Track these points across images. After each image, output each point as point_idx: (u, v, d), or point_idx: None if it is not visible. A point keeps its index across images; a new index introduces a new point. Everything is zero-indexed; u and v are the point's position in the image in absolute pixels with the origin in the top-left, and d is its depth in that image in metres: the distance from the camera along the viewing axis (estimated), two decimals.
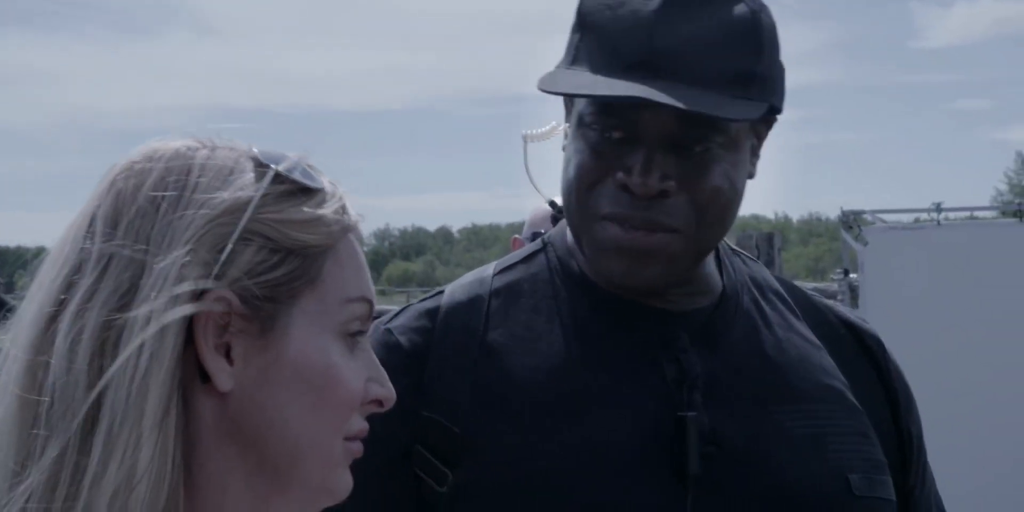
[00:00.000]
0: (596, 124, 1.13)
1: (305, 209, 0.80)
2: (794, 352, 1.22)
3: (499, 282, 1.26)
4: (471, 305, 1.24)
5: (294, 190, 0.80)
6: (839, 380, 1.23)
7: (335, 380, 0.80)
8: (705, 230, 1.15)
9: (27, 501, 0.72)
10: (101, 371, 0.73)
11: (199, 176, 0.79)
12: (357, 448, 0.84)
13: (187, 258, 0.75)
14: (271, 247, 0.78)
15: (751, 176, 1.21)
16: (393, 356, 1.19)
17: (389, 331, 1.24)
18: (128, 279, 0.75)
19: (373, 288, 0.85)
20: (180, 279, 0.74)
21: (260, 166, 0.80)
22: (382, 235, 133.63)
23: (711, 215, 1.14)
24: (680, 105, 1.06)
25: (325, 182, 0.84)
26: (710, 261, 1.25)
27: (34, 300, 0.78)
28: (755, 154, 1.21)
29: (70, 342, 0.74)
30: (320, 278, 0.80)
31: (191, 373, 0.76)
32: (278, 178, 0.80)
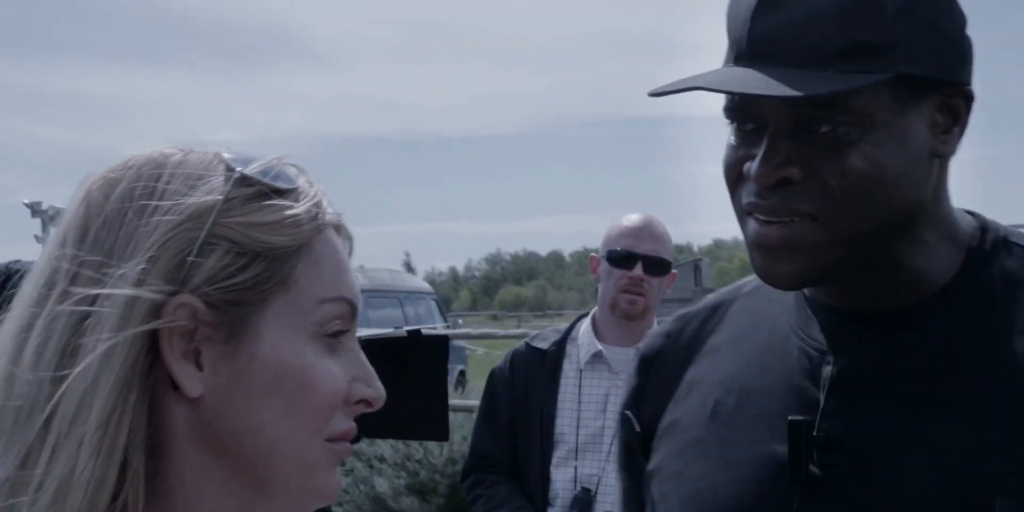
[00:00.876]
0: (730, 118, 1.11)
1: (273, 211, 0.79)
2: (1009, 363, 1.09)
3: (749, 286, 1.31)
4: (715, 308, 1.33)
5: (263, 192, 0.79)
6: None
7: (311, 382, 0.79)
8: (845, 215, 1.06)
9: None
10: (63, 377, 0.74)
11: (167, 182, 0.78)
12: (343, 449, 0.83)
13: (146, 266, 0.75)
14: (237, 251, 0.77)
15: (938, 154, 1.11)
16: None
17: None
18: (94, 284, 0.75)
19: (355, 285, 0.84)
20: (140, 286, 0.74)
21: (229, 170, 0.80)
22: (494, 260, 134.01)
23: (849, 199, 1.05)
24: (739, 89, 1.04)
25: (300, 182, 0.83)
26: (937, 252, 1.15)
27: (15, 312, 0.78)
28: (945, 130, 1.10)
29: (36, 353, 0.75)
30: (292, 280, 0.79)
31: (163, 380, 0.76)
32: (245, 181, 0.79)
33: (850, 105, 1.04)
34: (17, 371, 0.75)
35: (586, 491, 2.69)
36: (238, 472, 0.79)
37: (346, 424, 0.82)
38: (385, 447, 7.67)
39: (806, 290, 1.19)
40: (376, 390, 0.83)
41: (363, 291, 14.70)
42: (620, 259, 2.76)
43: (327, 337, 0.81)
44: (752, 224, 1.10)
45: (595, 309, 2.89)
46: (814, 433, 1.12)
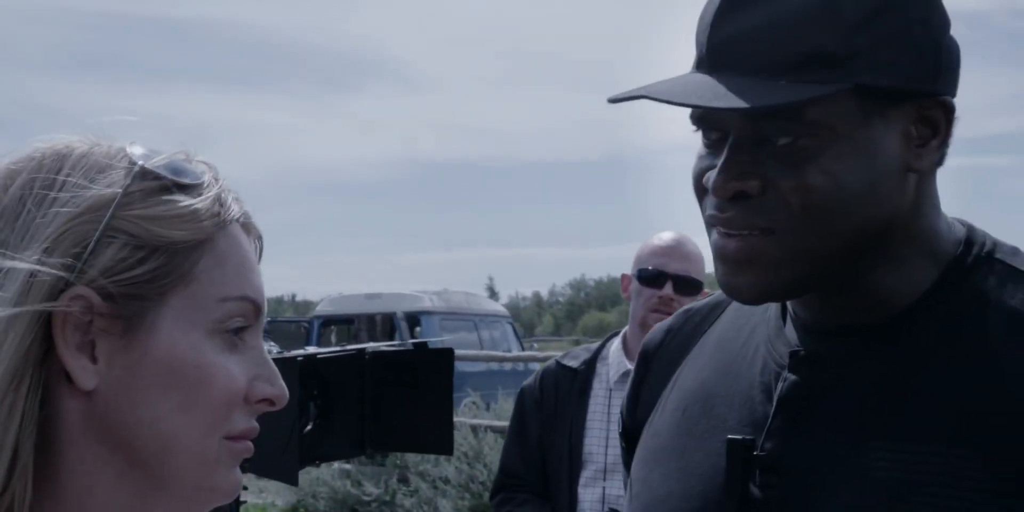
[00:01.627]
0: (696, 125, 1.09)
1: (174, 205, 0.78)
2: (960, 392, 1.04)
3: None
4: (716, 305, 1.32)
5: (165, 186, 0.79)
6: (1021, 434, 1.01)
7: (207, 378, 0.78)
8: (803, 232, 1.03)
9: None
10: None
11: (68, 174, 0.78)
12: (243, 447, 0.82)
13: (41, 256, 0.74)
14: (135, 244, 0.77)
15: (913, 168, 1.05)
16: None
17: None
18: None
19: (261, 284, 0.83)
20: (31, 278, 0.74)
21: (131, 163, 0.80)
22: (578, 286, 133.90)
23: (806, 216, 1.02)
24: (681, 99, 1.02)
25: (206, 177, 0.82)
26: (913, 268, 1.10)
27: None
28: (922, 142, 1.06)
29: None
30: (192, 275, 0.78)
31: (56, 373, 0.75)
32: (147, 174, 0.79)
33: (810, 116, 1.01)
34: None
35: None
36: (132, 467, 0.78)
37: (247, 423, 0.82)
38: (449, 468, 7.68)
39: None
40: (279, 388, 0.83)
41: (439, 313, 14.80)
42: (650, 278, 2.75)
43: (227, 334, 0.80)
44: (714, 235, 1.08)
45: (626, 328, 2.87)
46: (756, 452, 1.10)
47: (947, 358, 1.06)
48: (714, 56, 1.04)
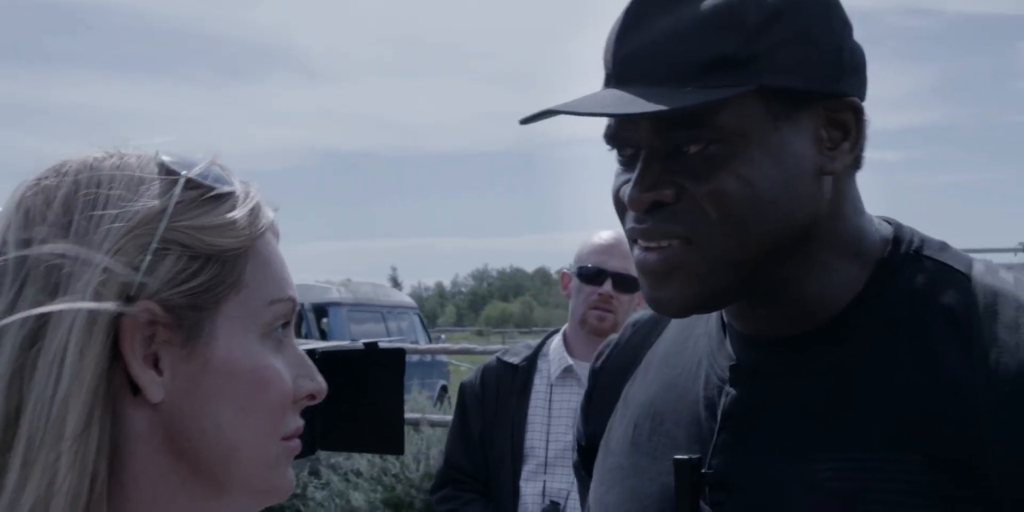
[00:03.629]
0: (610, 144, 1.09)
1: (219, 213, 0.79)
2: (898, 394, 1.04)
3: None
4: (655, 323, 1.30)
5: (206, 195, 0.80)
6: (966, 438, 0.99)
7: (265, 382, 0.79)
8: (719, 238, 1.02)
9: None
10: (20, 391, 0.72)
11: (109, 188, 0.77)
12: (296, 446, 0.83)
13: (104, 273, 0.74)
14: (189, 255, 0.77)
15: (826, 171, 1.05)
16: None
17: None
18: (43, 300, 0.74)
19: (294, 283, 0.85)
20: (98, 295, 0.73)
21: (169, 173, 0.79)
22: (480, 276, 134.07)
23: (722, 221, 1.02)
24: (588, 110, 1.02)
25: (236, 183, 0.83)
26: (838, 272, 1.09)
27: None
28: (834, 145, 1.06)
29: None
30: (242, 282, 0.79)
31: (121, 386, 0.75)
32: (189, 184, 0.79)
33: (718, 122, 1.01)
34: None
35: (555, 505, 2.70)
36: (195, 473, 0.79)
37: (296, 422, 0.83)
38: (362, 461, 7.64)
39: (724, 312, 1.16)
40: (318, 383, 0.84)
41: (346, 305, 14.67)
42: (590, 276, 2.77)
43: (274, 336, 0.82)
44: (635, 251, 1.08)
45: (566, 325, 2.89)
46: (704, 470, 1.10)
47: (884, 362, 1.06)
48: (621, 70, 1.05)
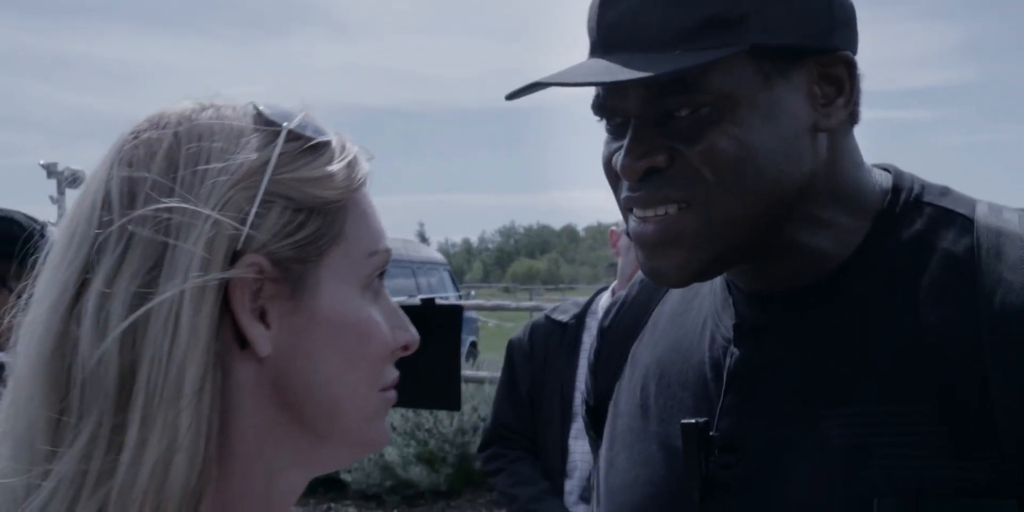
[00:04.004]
0: (598, 115, 1.08)
1: (320, 165, 0.78)
2: (902, 342, 1.02)
3: None
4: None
5: (306, 146, 0.78)
6: (973, 380, 0.98)
7: (368, 334, 0.79)
8: (719, 199, 1.01)
9: (58, 483, 0.70)
10: (133, 348, 0.71)
11: (211, 141, 0.76)
12: (392, 397, 0.83)
13: (213, 227, 0.73)
14: (294, 207, 0.76)
15: (822, 128, 1.04)
16: None
17: None
18: (154, 253, 0.72)
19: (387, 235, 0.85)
20: (209, 248, 0.72)
21: (268, 124, 0.78)
22: (507, 232, 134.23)
23: (720, 182, 1.00)
24: (576, 80, 1.00)
25: (332, 135, 0.82)
26: (839, 227, 1.08)
27: (53, 283, 0.75)
28: (828, 101, 1.04)
29: (98, 322, 0.71)
30: (343, 234, 0.79)
31: (229, 341, 0.75)
32: (290, 135, 0.78)
33: (709, 84, 0.99)
34: (68, 344, 0.72)
35: None
36: (299, 426, 0.79)
37: (393, 373, 0.83)
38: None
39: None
40: (412, 334, 0.84)
41: None
42: None
43: (372, 287, 0.82)
44: (632, 222, 1.06)
45: (615, 283, 2.86)
46: (711, 433, 1.09)
47: (886, 312, 1.04)
48: (606, 37, 1.02)
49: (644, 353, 1.23)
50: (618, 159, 1.03)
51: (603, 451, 1.24)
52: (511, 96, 1.05)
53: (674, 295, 1.25)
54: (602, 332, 1.32)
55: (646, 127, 1.02)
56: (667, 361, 1.18)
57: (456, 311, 2.47)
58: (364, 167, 0.82)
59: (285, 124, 0.78)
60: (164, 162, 0.75)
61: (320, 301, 0.77)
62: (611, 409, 1.25)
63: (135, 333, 0.71)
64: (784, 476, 1.04)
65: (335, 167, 0.79)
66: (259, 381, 0.76)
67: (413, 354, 0.83)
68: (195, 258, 0.72)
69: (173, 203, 0.73)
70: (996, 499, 0.96)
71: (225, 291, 0.74)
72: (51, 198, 8.04)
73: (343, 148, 0.81)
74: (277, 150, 0.76)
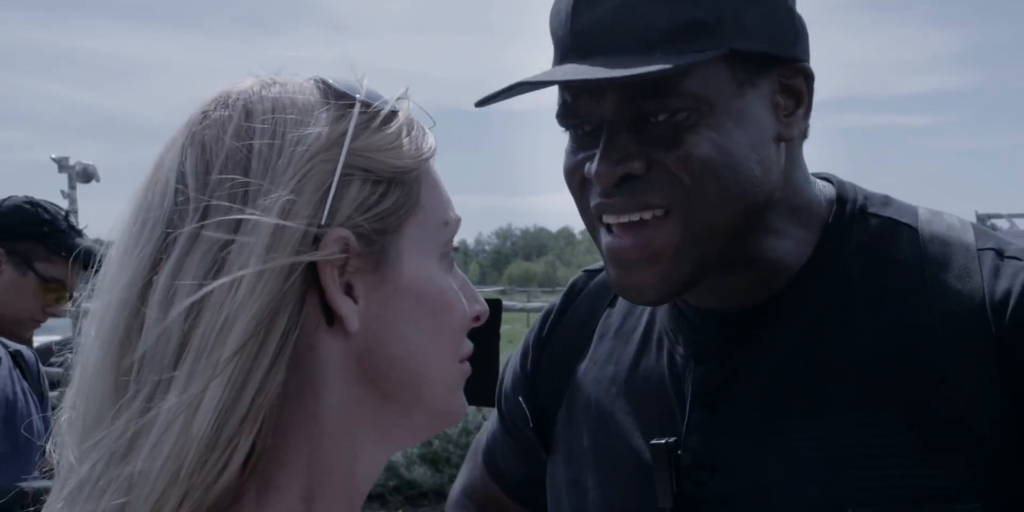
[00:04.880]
0: (565, 125, 1.06)
1: (391, 135, 0.77)
2: (862, 351, 1.03)
3: None
4: (599, 291, 1.27)
5: (375, 116, 0.77)
6: (932, 384, 1.00)
7: (448, 304, 0.79)
8: (699, 204, 1.00)
9: (99, 457, 0.70)
10: (195, 320, 0.70)
11: (284, 114, 0.75)
12: (467, 369, 0.83)
13: (290, 200, 0.71)
14: (373, 179, 0.75)
15: (783, 138, 1.04)
16: None
17: None
18: (229, 228, 0.71)
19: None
20: (287, 217, 0.71)
21: (339, 97, 0.77)
22: (504, 234, 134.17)
23: (698, 186, 0.99)
24: (562, 78, 0.99)
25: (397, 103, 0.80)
26: (791, 239, 1.08)
27: (125, 267, 0.73)
28: (788, 112, 1.05)
29: (166, 297, 0.70)
30: (420, 204, 0.78)
31: (315, 316, 0.73)
32: (361, 106, 0.77)
33: (686, 89, 0.99)
34: (145, 311, 0.71)
35: None
36: (385, 399, 0.78)
37: (468, 344, 0.82)
38: None
39: None
40: (483, 305, 0.84)
41: None
42: None
43: (448, 258, 0.81)
44: (605, 235, 1.04)
45: None
46: (679, 452, 1.08)
47: (843, 321, 1.05)
48: (580, 43, 1.01)
49: (593, 369, 1.21)
50: (591, 166, 1.01)
51: (559, 469, 1.22)
52: (481, 103, 1.04)
53: (618, 308, 1.23)
54: (540, 344, 1.28)
55: (620, 132, 1.00)
56: (623, 379, 1.17)
57: (496, 306, 2.43)
58: (431, 137, 0.81)
59: (358, 96, 0.77)
60: (237, 138, 0.73)
61: (402, 272, 0.76)
62: (562, 425, 1.23)
63: (201, 306, 0.69)
64: (757, 490, 1.04)
65: (406, 137, 0.78)
66: (346, 357, 0.75)
67: None
68: (271, 234, 0.70)
69: (250, 179, 0.72)
70: (965, 503, 0.98)
71: (313, 268, 0.72)
72: (62, 192, 8.01)
73: (409, 117, 0.80)
74: (354, 121, 0.75)
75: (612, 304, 1.24)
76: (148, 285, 0.71)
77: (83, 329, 0.76)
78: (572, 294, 1.29)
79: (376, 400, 0.77)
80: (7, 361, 2.33)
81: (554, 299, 1.34)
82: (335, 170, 0.73)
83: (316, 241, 0.72)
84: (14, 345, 2.41)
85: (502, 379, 1.36)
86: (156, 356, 0.70)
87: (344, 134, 0.74)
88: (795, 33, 1.04)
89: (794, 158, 1.07)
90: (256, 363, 0.69)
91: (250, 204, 0.71)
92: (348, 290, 0.74)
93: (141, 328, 0.71)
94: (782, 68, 1.03)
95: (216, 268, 0.70)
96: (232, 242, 0.70)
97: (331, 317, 0.74)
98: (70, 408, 0.75)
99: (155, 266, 0.72)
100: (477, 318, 0.83)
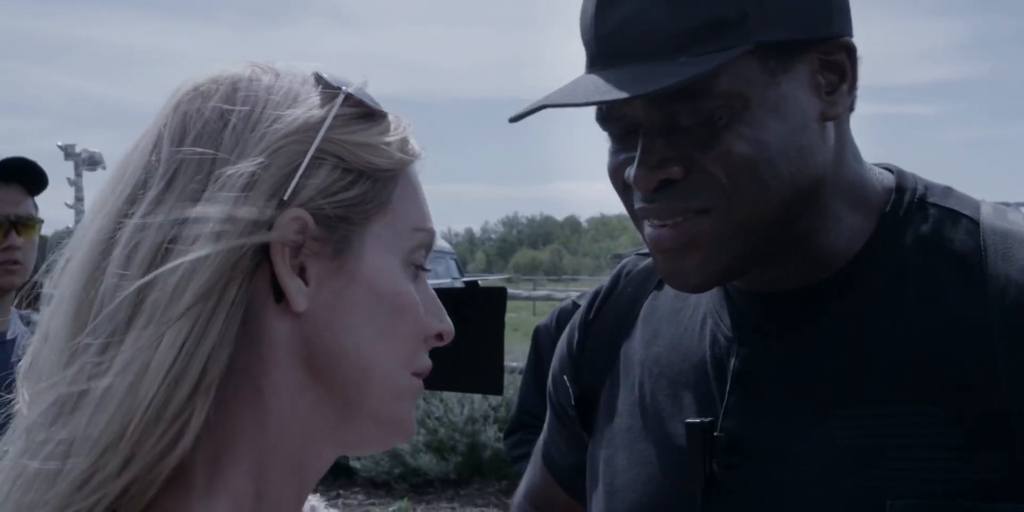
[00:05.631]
0: (604, 127, 1.06)
1: (373, 133, 0.79)
2: (912, 343, 1.02)
3: None
4: (648, 275, 1.26)
5: (362, 113, 0.79)
6: (984, 381, 0.98)
7: (404, 308, 0.79)
8: (738, 203, 0.99)
9: (43, 410, 0.71)
10: (152, 279, 0.71)
11: (268, 94, 0.77)
12: (421, 386, 0.82)
13: (259, 170, 0.73)
14: (344, 167, 0.76)
15: (829, 117, 1.02)
16: None
17: None
18: (196, 184, 0.73)
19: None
20: (249, 190, 0.73)
21: (328, 87, 0.79)
22: (510, 223, 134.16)
23: (737, 185, 0.99)
24: (582, 100, 0.98)
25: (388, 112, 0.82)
26: (847, 222, 1.07)
27: (95, 219, 0.75)
28: (832, 89, 1.03)
29: (128, 250, 0.72)
30: (390, 204, 0.79)
31: (264, 292, 0.74)
32: (349, 99, 0.78)
33: (716, 89, 0.97)
34: (105, 265, 0.73)
35: None
36: (330, 394, 0.78)
37: (426, 361, 0.82)
38: None
39: None
40: (448, 325, 0.83)
41: None
42: None
43: (412, 266, 0.81)
44: (647, 229, 1.05)
45: None
46: (716, 433, 1.08)
47: (895, 312, 1.04)
48: (605, 49, 1.00)
49: (638, 350, 1.21)
50: (630, 172, 1.01)
51: (599, 449, 1.22)
52: (515, 119, 1.04)
53: (666, 291, 1.22)
54: (585, 325, 1.28)
55: (656, 136, 1.00)
56: (666, 360, 1.17)
57: (500, 294, 2.45)
58: (416, 147, 0.82)
59: (344, 88, 0.79)
60: (217, 108, 0.76)
61: (362, 266, 0.77)
62: (604, 407, 1.23)
63: (157, 265, 0.71)
64: (791, 477, 1.03)
65: (388, 138, 0.79)
66: (293, 339, 0.76)
67: (457, 338, 0.83)
68: (234, 200, 0.72)
69: (218, 146, 0.74)
70: (1010, 500, 0.96)
71: (264, 244, 0.73)
72: (68, 180, 8.04)
73: (397, 124, 0.82)
74: (335, 110, 0.77)
75: (659, 287, 1.24)
76: (112, 241, 0.73)
77: (55, 280, 0.78)
78: (620, 276, 1.29)
79: (321, 392, 0.77)
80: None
81: (562, 288, 1.34)
82: (307, 152, 0.74)
83: (273, 221, 0.73)
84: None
85: (551, 364, 1.36)
86: (112, 311, 0.71)
87: (323, 121, 0.76)
88: (829, 9, 1.01)
89: (843, 135, 1.05)
90: (206, 330, 0.71)
91: (216, 173, 0.73)
92: (301, 272, 0.75)
93: (102, 283, 0.73)
94: (820, 46, 1.01)
95: (175, 233, 0.72)
96: (193, 208, 0.72)
97: (280, 295, 0.75)
98: (32, 353, 0.77)
99: (120, 223, 0.74)
100: (440, 336, 0.83)
